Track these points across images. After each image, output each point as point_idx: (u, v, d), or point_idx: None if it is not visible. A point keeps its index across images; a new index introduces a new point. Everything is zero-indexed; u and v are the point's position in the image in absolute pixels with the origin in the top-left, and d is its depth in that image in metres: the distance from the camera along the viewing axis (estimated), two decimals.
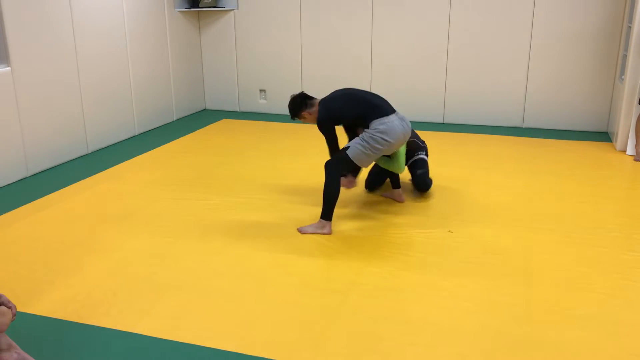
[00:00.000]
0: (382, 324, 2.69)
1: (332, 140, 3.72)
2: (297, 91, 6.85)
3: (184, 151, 5.60)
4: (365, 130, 3.64)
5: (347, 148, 3.64)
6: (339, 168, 3.67)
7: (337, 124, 3.75)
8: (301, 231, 3.68)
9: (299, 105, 3.81)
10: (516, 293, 2.95)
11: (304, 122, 3.94)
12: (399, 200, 4.19)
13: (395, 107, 3.79)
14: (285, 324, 2.71)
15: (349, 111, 3.69)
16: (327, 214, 3.66)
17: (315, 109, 3.77)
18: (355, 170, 3.98)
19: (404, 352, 2.49)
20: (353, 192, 4.37)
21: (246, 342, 2.56)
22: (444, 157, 5.29)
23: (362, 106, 3.66)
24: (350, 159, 3.62)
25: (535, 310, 2.79)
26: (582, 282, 3.06)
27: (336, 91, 3.84)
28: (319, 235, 3.64)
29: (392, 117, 3.62)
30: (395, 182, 4.18)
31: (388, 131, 3.57)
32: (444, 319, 2.73)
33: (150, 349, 2.53)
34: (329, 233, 3.67)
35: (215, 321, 2.73)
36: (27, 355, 2.17)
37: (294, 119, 3.91)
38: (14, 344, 2.16)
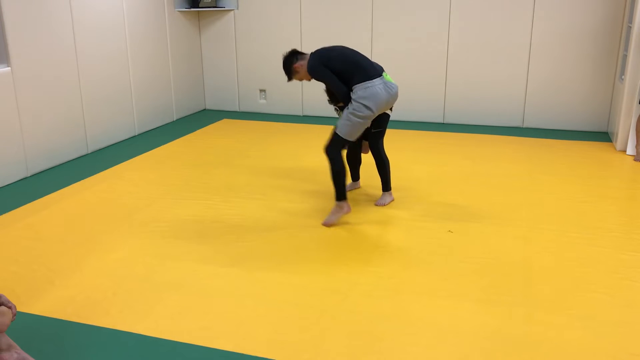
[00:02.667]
0: (382, 324, 2.69)
1: (332, 80, 3.66)
2: (297, 90, 6.99)
3: (184, 151, 5.60)
4: (351, 98, 3.65)
5: (335, 127, 3.69)
6: (336, 149, 3.70)
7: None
8: (327, 224, 3.74)
9: (289, 59, 3.83)
10: (516, 293, 2.95)
11: (298, 80, 3.91)
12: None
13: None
14: (285, 324, 2.71)
15: (336, 63, 3.67)
16: (339, 195, 3.73)
17: (305, 61, 3.78)
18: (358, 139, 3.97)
19: (404, 352, 2.49)
20: (354, 192, 4.37)
21: (246, 342, 2.56)
22: (444, 157, 5.29)
23: (349, 64, 3.66)
24: (341, 137, 3.67)
25: (535, 310, 2.79)
26: (582, 282, 3.06)
27: (329, 46, 3.84)
28: (318, 235, 3.64)
29: (375, 81, 3.62)
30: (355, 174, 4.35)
31: (368, 96, 3.59)
32: (444, 319, 2.73)
33: (150, 349, 2.53)
34: (349, 211, 3.75)
35: (215, 321, 2.73)
36: (27, 355, 2.16)
37: (289, 79, 3.91)
38: (14, 344, 2.16)
